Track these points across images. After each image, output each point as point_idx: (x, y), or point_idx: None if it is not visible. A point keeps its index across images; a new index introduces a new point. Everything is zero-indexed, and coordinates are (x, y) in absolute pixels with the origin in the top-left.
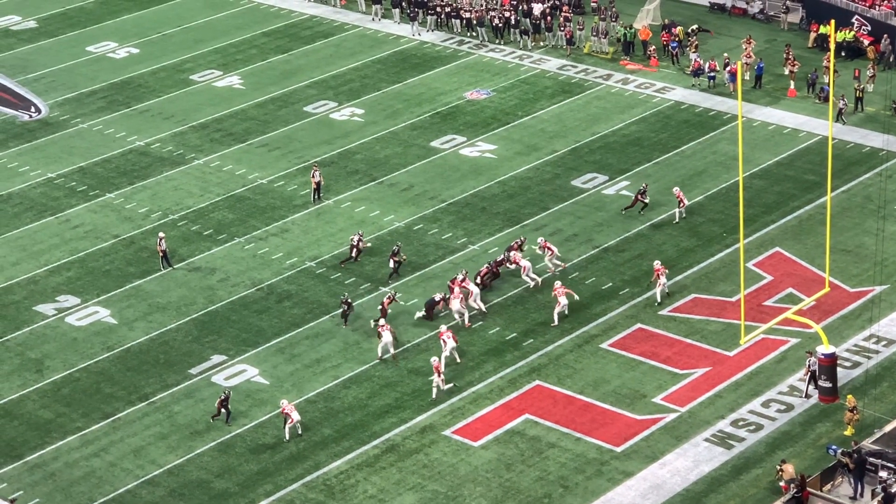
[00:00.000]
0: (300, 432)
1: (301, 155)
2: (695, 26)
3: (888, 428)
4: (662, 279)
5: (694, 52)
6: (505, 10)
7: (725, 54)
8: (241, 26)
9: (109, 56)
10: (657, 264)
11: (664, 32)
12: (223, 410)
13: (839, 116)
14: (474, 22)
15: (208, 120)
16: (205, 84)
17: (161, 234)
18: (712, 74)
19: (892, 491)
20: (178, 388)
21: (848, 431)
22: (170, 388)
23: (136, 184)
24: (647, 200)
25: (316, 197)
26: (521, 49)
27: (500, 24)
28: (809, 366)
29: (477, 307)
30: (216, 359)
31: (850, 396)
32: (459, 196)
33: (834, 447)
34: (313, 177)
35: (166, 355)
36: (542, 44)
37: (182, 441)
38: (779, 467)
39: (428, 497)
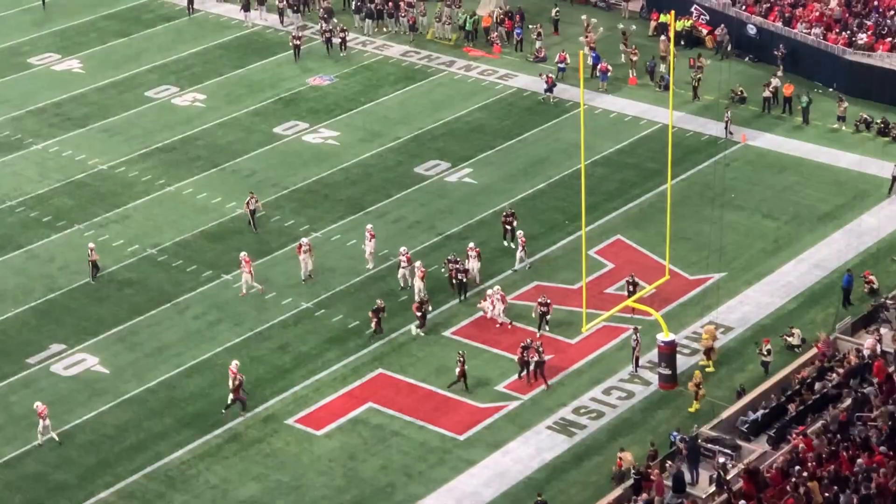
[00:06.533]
0: (55, 437)
1: (143, 140)
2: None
3: (725, 414)
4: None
5: (538, 39)
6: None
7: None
8: (80, 9)
9: None
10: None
11: (507, 20)
12: None
13: None
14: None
15: (47, 104)
16: (43, 67)
17: (91, 245)
18: (563, 66)
19: (728, 476)
20: (15, 377)
21: (693, 407)
22: (6, 378)
23: None
24: None
25: (252, 224)
26: (363, 35)
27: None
28: (634, 344)
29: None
30: (55, 348)
31: (697, 372)
32: (302, 183)
33: (674, 433)
34: (248, 205)
35: (2, 344)
36: (385, 30)
37: (19, 432)
38: (619, 456)
39: (271, 486)
